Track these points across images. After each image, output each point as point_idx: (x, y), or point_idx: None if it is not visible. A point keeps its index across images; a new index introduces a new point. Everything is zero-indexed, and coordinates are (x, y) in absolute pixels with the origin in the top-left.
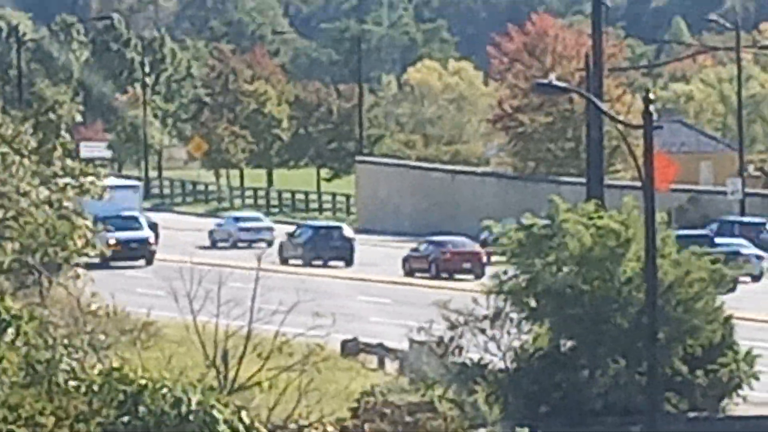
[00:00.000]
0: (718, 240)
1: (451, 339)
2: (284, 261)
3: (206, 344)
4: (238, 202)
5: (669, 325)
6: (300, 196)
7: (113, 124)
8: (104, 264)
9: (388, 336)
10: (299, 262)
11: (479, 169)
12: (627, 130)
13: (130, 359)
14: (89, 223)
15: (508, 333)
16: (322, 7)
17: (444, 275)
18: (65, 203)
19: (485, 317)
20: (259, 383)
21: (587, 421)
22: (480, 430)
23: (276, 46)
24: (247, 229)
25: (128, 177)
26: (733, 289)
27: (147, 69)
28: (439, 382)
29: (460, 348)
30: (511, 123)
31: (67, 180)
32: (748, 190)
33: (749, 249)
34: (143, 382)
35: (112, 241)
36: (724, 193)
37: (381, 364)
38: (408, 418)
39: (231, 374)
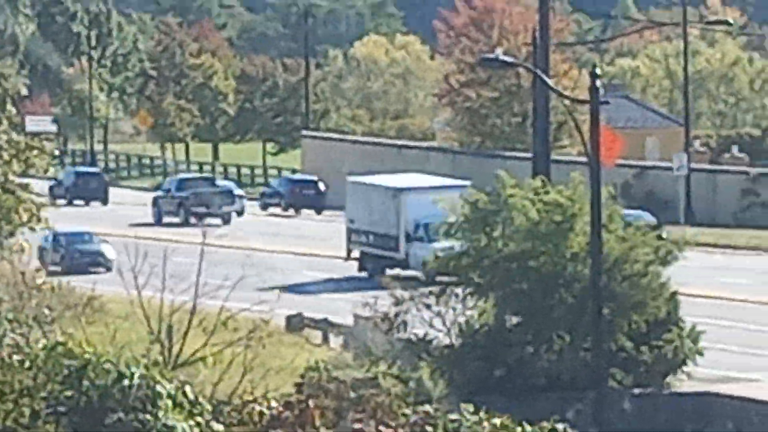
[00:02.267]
0: None
1: (396, 315)
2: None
3: (151, 319)
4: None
5: (614, 301)
6: (246, 171)
7: (59, 97)
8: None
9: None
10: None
11: (425, 144)
12: (573, 105)
13: (74, 334)
14: (34, 197)
15: (453, 309)
16: None
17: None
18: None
19: (430, 293)
20: (203, 358)
21: (532, 396)
22: (425, 406)
23: (223, 20)
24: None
25: (74, 151)
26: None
27: (93, 42)
28: (383, 357)
29: (405, 324)
30: (457, 98)
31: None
32: (693, 165)
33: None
34: (87, 356)
35: None
36: (670, 168)
37: (325, 339)
38: (352, 394)
39: (175, 349)
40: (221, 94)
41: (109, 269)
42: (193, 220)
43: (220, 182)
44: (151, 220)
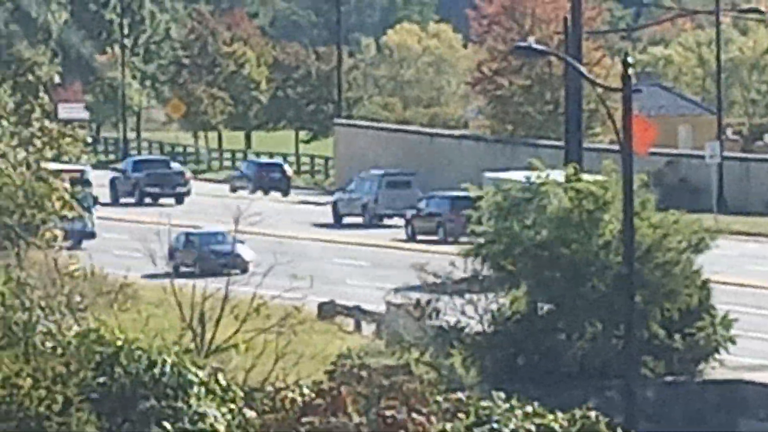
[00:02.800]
0: None
1: (428, 302)
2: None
3: (183, 306)
4: (216, 164)
5: (646, 289)
6: (279, 159)
7: (92, 85)
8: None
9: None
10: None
11: (458, 132)
12: (606, 93)
13: (106, 321)
14: (67, 185)
15: (486, 296)
16: None
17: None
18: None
19: (463, 280)
20: (235, 345)
21: (564, 384)
22: (457, 393)
23: (255, 8)
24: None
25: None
26: None
27: (126, 30)
28: (415, 345)
29: (437, 311)
30: (489, 86)
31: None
32: (726, 153)
33: None
34: (119, 343)
35: None
36: (703, 156)
37: (358, 326)
38: (384, 381)
39: (208, 336)
40: (254, 82)
41: (245, 271)
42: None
43: (173, 164)
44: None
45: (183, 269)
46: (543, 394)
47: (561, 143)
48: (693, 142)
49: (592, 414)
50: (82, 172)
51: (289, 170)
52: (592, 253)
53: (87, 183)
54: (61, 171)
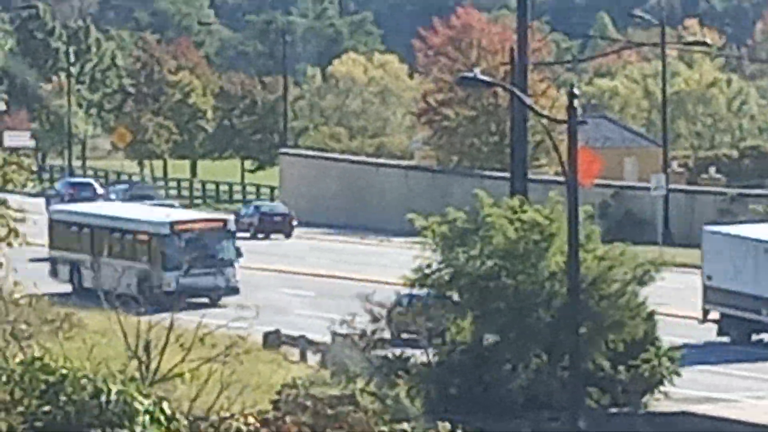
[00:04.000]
0: None
1: (374, 332)
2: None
3: (128, 335)
4: (161, 192)
5: (592, 320)
6: (224, 188)
7: (37, 113)
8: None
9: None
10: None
11: (404, 163)
12: (551, 124)
13: (51, 349)
14: (12, 212)
15: (431, 326)
16: None
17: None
18: None
19: (408, 311)
20: (181, 374)
21: (509, 415)
22: (402, 423)
23: (201, 37)
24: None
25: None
26: None
27: (72, 58)
28: (361, 375)
29: (383, 341)
30: (435, 117)
31: None
32: (671, 186)
33: None
34: (64, 371)
35: None
36: (648, 188)
37: (303, 356)
38: (329, 411)
39: (153, 365)
40: (199, 111)
41: None
42: None
43: (97, 186)
44: None
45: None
46: (487, 425)
47: (506, 174)
48: (638, 174)
49: None
50: (224, 221)
51: (99, 189)
52: (537, 284)
53: (230, 234)
54: (197, 221)
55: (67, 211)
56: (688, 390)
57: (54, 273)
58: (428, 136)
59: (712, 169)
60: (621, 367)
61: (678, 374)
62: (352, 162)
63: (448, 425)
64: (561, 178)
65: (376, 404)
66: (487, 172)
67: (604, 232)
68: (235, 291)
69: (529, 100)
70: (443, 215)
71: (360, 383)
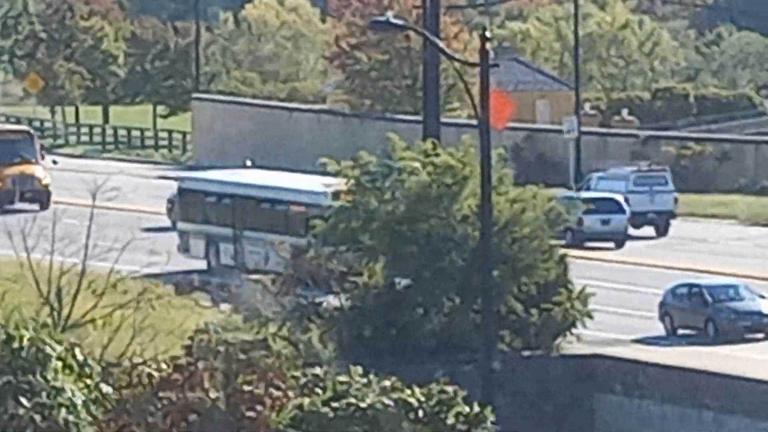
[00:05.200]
0: None
1: (287, 277)
2: None
3: (40, 281)
4: (73, 138)
5: (504, 264)
6: (136, 133)
7: None
8: None
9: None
10: None
11: (316, 107)
12: (463, 68)
13: None
14: None
15: (344, 271)
16: None
17: None
18: None
19: (319, 254)
20: (93, 320)
21: (421, 359)
22: (314, 368)
23: None
24: None
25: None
26: None
27: None
28: (273, 320)
29: (295, 285)
30: (348, 61)
31: None
32: (583, 128)
33: None
34: None
35: None
36: (560, 131)
37: (215, 301)
38: (242, 356)
39: (65, 311)
40: (111, 56)
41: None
42: None
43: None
44: None
45: (682, 332)
46: (400, 369)
47: (419, 118)
48: (551, 117)
49: (450, 388)
50: None
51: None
52: (450, 227)
53: None
54: None
55: (201, 179)
56: (601, 332)
57: (185, 248)
58: (341, 80)
59: (625, 112)
60: (533, 310)
61: (590, 317)
62: (265, 107)
63: (360, 369)
64: (473, 122)
65: (288, 349)
66: (400, 116)
67: (516, 175)
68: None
69: (441, 44)
70: (356, 159)
71: (272, 328)
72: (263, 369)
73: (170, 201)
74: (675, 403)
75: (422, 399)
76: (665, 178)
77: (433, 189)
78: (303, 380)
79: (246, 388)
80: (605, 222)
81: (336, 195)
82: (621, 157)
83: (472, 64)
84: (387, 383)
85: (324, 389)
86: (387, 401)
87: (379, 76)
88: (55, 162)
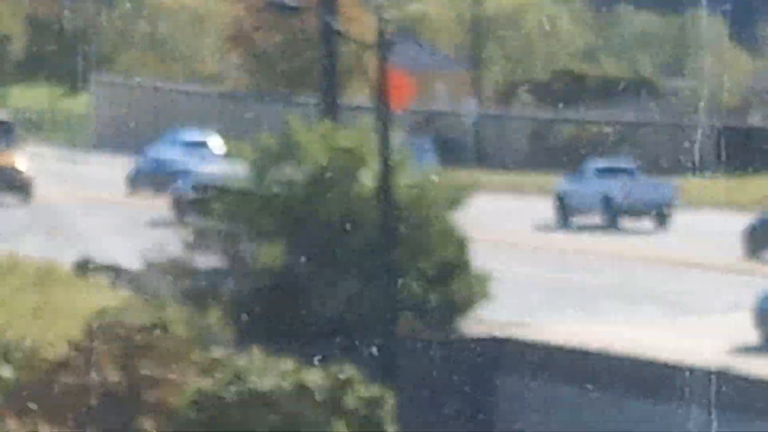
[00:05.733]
0: None
1: (186, 260)
2: None
3: None
4: None
5: (403, 245)
6: (32, 116)
7: None
8: None
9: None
10: None
11: (215, 88)
12: (362, 49)
13: None
14: None
15: (243, 254)
16: None
17: None
18: None
19: (220, 237)
20: None
21: (321, 341)
22: (214, 351)
23: None
24: None
25: None
26: None
27: None
28: (172, 302)
29: (195, 268)
30: (246, 42)
31: None
32: (482, 110)
33: None
34: None
35: None
36: (460, 113)
37: (115, 284)
38: (141, 339)
39: None
40: (6, 37)
41: None
42: None
43: None
44: None
45: None
46: (300, 352)
47: (317, 100)
48: (450, 98)
49: (349, 371)
50: None
51: None
52: (348, 210)
53: None
54: None
55: None
56: (499, 314)
57: None
58: (239, 61)
59: (523, 93)
60: (433, 292)
61: (490, 298)
62: (163, 88)
63: (260, 352)
64: (372, 104)
65: (187, 332)
66: (299, 98)
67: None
68: None
69: (339, 25)
70: (255, 140)
71: (171, 311)
72: (163, 352)
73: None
74: (579, 385)
75: (321, 382)
76: None
77: (332, 171)
78: (202, 363)
79: (145, 371)
80: None
81: (234, 177)
82: (521, 139)
83: (371, 46)
84: (286, 366)
85: (223, 372)
86: (286, 384)
87: (277, 58)
88: None
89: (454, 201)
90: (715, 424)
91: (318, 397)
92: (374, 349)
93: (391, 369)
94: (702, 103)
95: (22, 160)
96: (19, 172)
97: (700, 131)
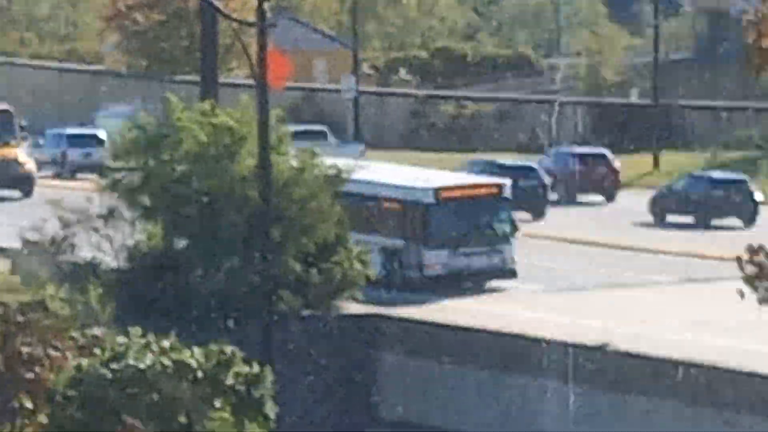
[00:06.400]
0: None
1: (64, 238)
2: None
3: None
4: None
5: (283, 224)
6: None
7: None
8: None
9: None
10: None
11: (94, 68)
12: (241, 28)
13: None
14: None
15: (122, 232)
16: None
17: None
18: None
19: (99, 216)
20: None
21: (201, 319)
22: (93, 329)
23: None
24: None
25: None
26: None
27: None
28: (51, 281)
29: (73, 247)
30: (126, 21)
31: None
32: (362, 87)
33: None
34: None
35: None
36: (339, 91)
37: None
38: (19, 318)
39: None
40: None
41: None
42: None
43: None
44: None
45: None
46: (179, 330)
47: (197, 78)
48: (329, 76)
49: (228, 349)
50: (499, 187)
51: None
52: (228, 188)
53: (505, 202)
54: (477, 186)
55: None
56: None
57: None
58: (119, 40)
59: (403, 71)
60: (313, 270)
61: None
62: (41, 68)
63: (139, 330)
64: (252, 82)
65: (66, 310)
66: (178, 77)
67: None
68: (512, 274)
69: (218, 3)
70: (133, 120)
71: (50, 290)
72: (41, 330)
73: None
74: (456, 362)
75: (201, 360)
76: None
77: (212, 149)
78: (81, 341)
79: (24, 349)
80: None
81: (116, 156)
82: (400, 117)
83: (250, 24)
84: (166, 344)
85: (102, 350)
86: (165, 362)
87: (156, 37)
88: None
89: (334, 179)
90: None
91: (198, 374)
92: (254, 327)
93: (270, 346)
94: (580, 81)
95: (24, 153)
96: (21, 166)
97: (579, 108)
